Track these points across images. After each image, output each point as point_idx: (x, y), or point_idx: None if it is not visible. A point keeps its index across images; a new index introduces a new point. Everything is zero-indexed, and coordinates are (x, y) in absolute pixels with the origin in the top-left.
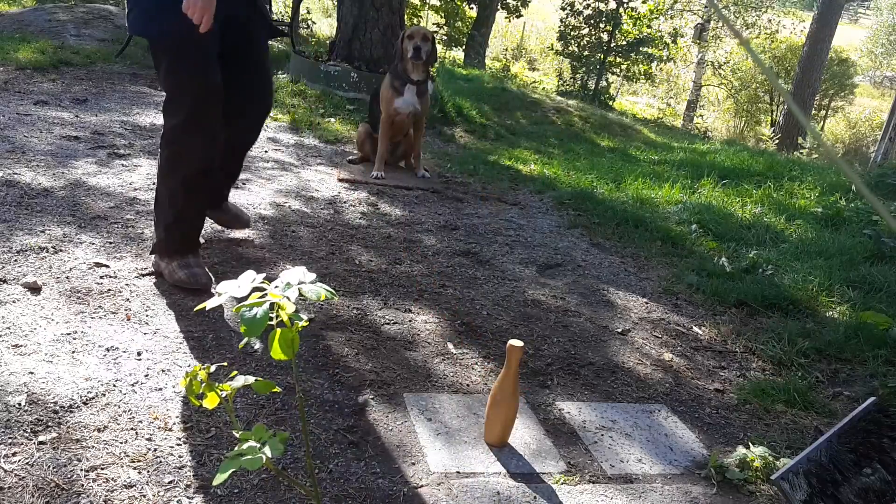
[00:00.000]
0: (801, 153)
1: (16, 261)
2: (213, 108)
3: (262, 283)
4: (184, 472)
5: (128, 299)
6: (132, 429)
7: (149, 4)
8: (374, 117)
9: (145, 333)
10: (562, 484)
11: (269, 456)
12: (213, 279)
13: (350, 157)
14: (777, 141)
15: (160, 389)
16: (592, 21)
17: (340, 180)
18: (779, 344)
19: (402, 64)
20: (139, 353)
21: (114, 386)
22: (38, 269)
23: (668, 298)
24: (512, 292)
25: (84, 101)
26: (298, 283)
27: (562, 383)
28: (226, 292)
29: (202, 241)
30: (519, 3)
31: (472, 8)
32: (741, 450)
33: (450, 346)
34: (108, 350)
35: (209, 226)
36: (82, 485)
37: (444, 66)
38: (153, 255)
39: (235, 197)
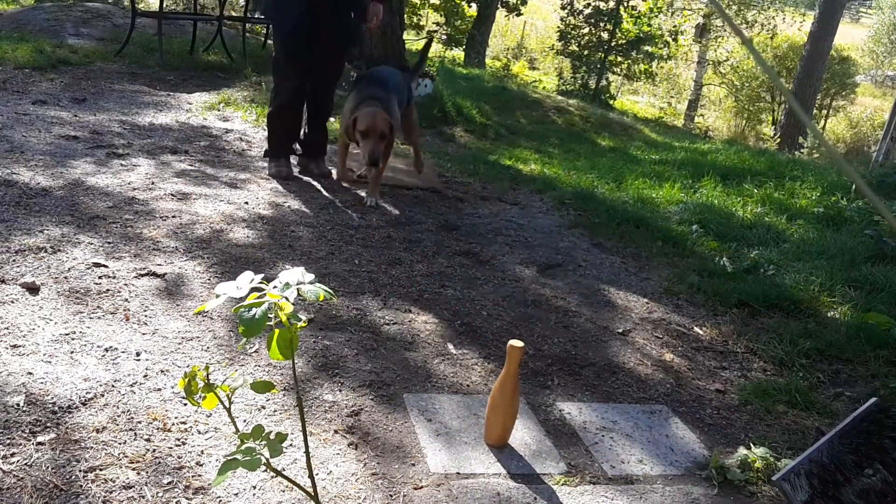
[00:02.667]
0: (802, 153)
1: (14, 261)
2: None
3: (261, 283)
4: (183, 472)
5: (126, 299)
6: (131, 429)
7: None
8: None
9: (144, 334)
10: (562, 485)
11: (268, 457)
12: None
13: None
14: (778, 140)
15: (159, 390)
16: (592, 20)
17: (340, 180)
18: (780, 344)
19: None
20: (138, 354)
21: (112, 386)
22: (36, 269)
23: (668, 299)
24: (512, 292)
25: (83, 100)
26: (297, 284)
27: (562, 384)
28: (225, 293)
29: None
30: (518, 1)
31: (472, 6)
32: (742, 450)
33: (450, 346)
34: (106, 350)
35: (209, 226)
36: (81, 485)
37: (444, 66)
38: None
39: (235, 196)
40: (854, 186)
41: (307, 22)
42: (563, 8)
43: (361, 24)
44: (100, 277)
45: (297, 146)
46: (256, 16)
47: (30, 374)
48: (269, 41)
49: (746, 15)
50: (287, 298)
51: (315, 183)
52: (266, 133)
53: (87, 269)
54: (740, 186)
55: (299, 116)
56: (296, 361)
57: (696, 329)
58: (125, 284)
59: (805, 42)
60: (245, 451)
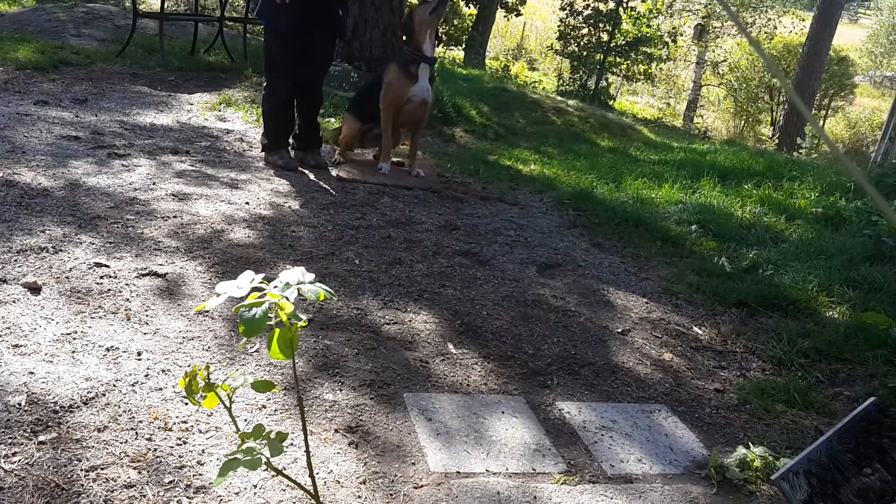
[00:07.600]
0: (801, 153)
1: (16, 261)
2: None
3: (262, 283)
4: (184, 472)
5: (128, 299)
6: (132, 429)
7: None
8: (366, 111)
9: (145, 333)
10: (562, 484)
11: (269, 456)
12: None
13: (334, 159)
14: (777, 141)
15: (160, 389)
16: (592, 21)
17: (340, 180)
18: (779, 344)
19: (415, 40)
20: (139, 353)
21: (114, 386)
22: (38, 269)
23: (668, 298)
24: (512, 292)
25: (84, 101)
26: (297, 284)
27: (562, 383)
28: (225, 293)
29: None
30: (517, 2)
31: (472, 6)
32: (741, 450)
33: (450, 346)
34: (108, 350)
35: (209, 226)
36: (82, 485)
37: (444, 66)
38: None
39: (235, 197)
40: (853, 185)
41: (301, 20)
42: (562, 9)
43: (347, 20)
44: (101, 277)
45: (291, 140)
46: (254, 16)
47: (31, 373)
48: None
49: (745, 17)
50: (287, 298)
51: (315, 182)
52: (263, 129)
53: (89, 268)
54: (739, 187)
55: (293, 110)
56: (296, 361)
57: (695, 329)
58: (126, 284)
59: (803, 43)
60: (246, 451)
